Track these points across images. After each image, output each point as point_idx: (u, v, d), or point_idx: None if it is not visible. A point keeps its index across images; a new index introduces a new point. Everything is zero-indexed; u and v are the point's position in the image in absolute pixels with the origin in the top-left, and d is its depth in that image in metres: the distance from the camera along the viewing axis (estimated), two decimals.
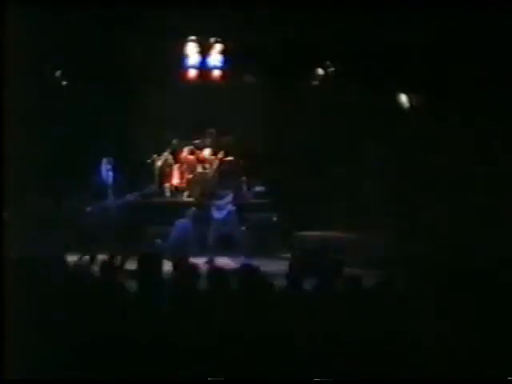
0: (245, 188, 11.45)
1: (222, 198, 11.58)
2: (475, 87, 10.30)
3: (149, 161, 12.83)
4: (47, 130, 12.61)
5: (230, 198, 11.55)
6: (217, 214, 11.50)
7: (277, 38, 11.69)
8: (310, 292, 5.88)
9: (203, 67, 12.86)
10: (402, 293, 5.43)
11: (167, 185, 12.97)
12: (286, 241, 11.81)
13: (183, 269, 5.79)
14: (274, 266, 9.33)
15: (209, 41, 12.82)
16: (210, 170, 12.82)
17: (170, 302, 5.28)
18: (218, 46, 12.69)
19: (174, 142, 13.26)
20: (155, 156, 12.92)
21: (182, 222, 10.42)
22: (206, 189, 12.52)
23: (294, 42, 12.11)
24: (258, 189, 11.40)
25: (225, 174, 12.15)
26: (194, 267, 5.71)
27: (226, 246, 11.51)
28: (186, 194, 13.04)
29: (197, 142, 13.42)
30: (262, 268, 5.99)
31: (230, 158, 12.98)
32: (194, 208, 10.94)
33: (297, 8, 10.18)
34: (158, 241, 11.11)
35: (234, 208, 11.54)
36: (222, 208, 11.50)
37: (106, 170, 11.23)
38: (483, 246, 9.07)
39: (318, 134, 12.74)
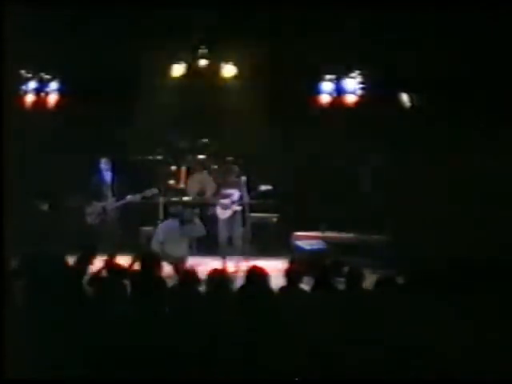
0: (245, 188, 11.31)
1: (226, 197, 11.23)
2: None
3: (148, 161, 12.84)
4: (47, 130, 12.61)
5: (235, 197, 11.18)
6: (222, 214, 11.23)
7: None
8: (309, 292, 5.88)
9: None
10: (403, 292, 5.42)
11: (167, 185, 12.97)
12: (286, 241, 11.77)
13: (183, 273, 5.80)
14: (274, 266, 9.35)
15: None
16: (211, 170, 12.80)
17: (169, 304, 5.28)
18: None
19: (175, 141, 13.26)
20: (155, 156, 12.91)
21: (172, 222, 10.42)
22: (205, 189, 12.49)
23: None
24: (264, 188, 11.11)
25: (225, 174, 12.06)
26: (194, 272, 5.72)
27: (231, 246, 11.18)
28: (185, 193, 13.06)
29: (197, 142, 13.42)
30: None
31: (230, 158, 12.97)
32: (187, 209, 10.81)
33: None
34: (156, 241, 11.06)
35: (239, 208, 11.16)
36: (227, 207, 11.20)
37: (105, 170, 11.24)
38: (484, 245, 9.08)
39: (318, 133, 12.73)
